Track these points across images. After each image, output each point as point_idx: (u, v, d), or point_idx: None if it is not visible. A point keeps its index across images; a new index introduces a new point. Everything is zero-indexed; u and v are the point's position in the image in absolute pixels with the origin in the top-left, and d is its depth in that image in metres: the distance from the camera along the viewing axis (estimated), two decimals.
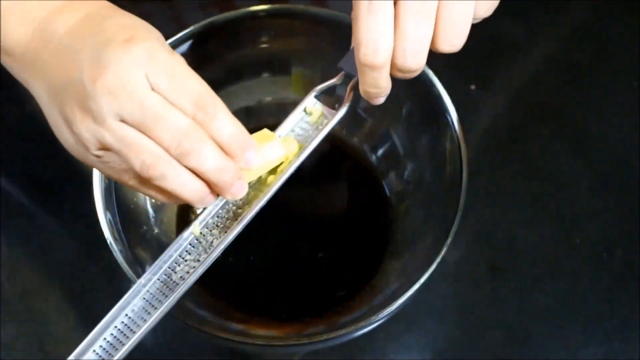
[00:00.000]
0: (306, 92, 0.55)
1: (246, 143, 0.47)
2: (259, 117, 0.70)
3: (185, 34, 0.63)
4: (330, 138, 0.69)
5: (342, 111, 0.53)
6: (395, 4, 0.46)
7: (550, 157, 0.73)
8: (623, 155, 0.73)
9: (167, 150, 0.44)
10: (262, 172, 0.51)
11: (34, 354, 0.65)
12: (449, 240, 0.56)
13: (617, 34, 0.79)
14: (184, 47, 0.63)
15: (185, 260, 0.51)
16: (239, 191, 0.48)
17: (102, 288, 0.67)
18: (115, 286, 0.67)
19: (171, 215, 0.67)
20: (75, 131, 0.45)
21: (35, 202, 0.70)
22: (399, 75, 0.48)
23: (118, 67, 0.43)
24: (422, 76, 0.61)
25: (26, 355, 0.65)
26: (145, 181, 0.46)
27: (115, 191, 0.60)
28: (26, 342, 0.65)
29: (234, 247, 0.67)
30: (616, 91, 0.76)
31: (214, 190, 0.47)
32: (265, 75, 0.69)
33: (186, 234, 0.51)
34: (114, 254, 0.55)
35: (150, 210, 0.65)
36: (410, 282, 0.55)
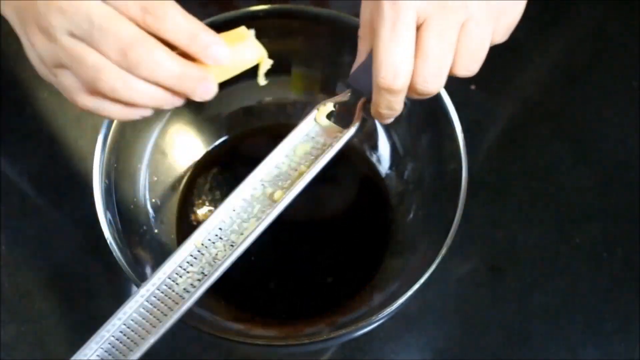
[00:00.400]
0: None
1: (207, 39, 0.44)
2: (259, 117, 0.70)
3: None
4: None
5: (352, 131, 0.51)
6: (417, 28, 0.45)
7: (550, 157, 0.73)
8: (623, 155, 0.73)
9: (116, 63, 0.43)
10: (236, 71, 0.48)
11: (34, 354, 0.65)
12: (449, 240, 0.56)
13: (617, 34, 0.79)
14: None
15: (188, 272, 0.50)
16: (206, 93, 0.46)
17: (102, 288, 0.67)
18: (115, 286, 0.67)
19: (171, 215, 0.67)
20: (37, 50, 0.45)
21: (35, 202, 0.70)
22: (415, 97, 0.48)
23: None
24: None
25: (26, 355, 0.65)
26: (101, 98, 0.45)
27: (115, 191, 0.60)
28: (26, 342, 0.65)
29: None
30: (616, 91, 0.76)
31: (178, 94, 0.45)
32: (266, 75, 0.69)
33: (187, 244, 0.50)
34: (114, 254, 0.55)
35: (150, 210, 0.65)
36: (410, 282, 0.55)
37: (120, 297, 0.67)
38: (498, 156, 0.73)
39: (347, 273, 0.66)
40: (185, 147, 0.68)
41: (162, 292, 0.49)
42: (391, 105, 0.48)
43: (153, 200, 0.65)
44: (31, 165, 0.71)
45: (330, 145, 0.52)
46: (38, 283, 0.67)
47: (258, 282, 0.66)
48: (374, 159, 0.69)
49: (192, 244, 0.50)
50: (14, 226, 0.69)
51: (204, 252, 0.51)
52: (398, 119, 0.67)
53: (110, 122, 0.59)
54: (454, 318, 0.67)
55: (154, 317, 0.48)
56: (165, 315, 0.48)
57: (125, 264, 0.55)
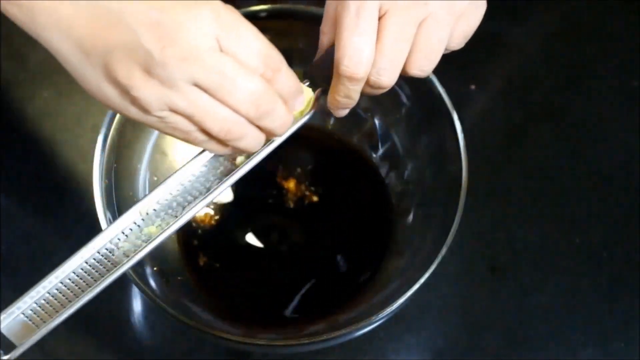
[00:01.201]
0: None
1: (299, 90, 0.48)
2: None
3: None
4: (330, 138, 0.70)
5: (306, 118, 0.52)
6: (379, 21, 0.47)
7: (550, 157, 0.73)
8: (623, 155, 0.73)
9: (245, 114, 0.45)
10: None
11: (34, 354, 0.65)
12: (449, 240, 0.56)
13: (617, 34, 0.79)
14: None
15: (128, 238, 0.50)
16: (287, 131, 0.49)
17: None
18: (115, 286, 0.67)
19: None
20: (135, 94, 0.43)
21: (35, 202, 0.70)
22: (367, 90, 0.50)
23: (188, 33, 0.42)
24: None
25: (26, 355, 0.65)
26: (211, 138, 0.46)
27: (115, 191, 0.60)
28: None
29: (233, 247, 0.68)
30: (616, 91, 0.76)
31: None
32: None
33: (133, 210, 0.51)
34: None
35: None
36: (410, 282, 0.55)
37: (120, 297, 0.67)
38: (498, 156, 0.73)
39: (347, 273, 0.66)
40: (185, 147, 0.68)
41: (102, 256, 0.50)
42: (349, 94, 0.50)
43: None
44: (31, 165, 0.71)
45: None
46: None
47: (258, 282, 0.66)
48: (374, 159, 0.69)
49: (137, 211, 0.51)
50: (14, 226, 0.69)
51: (146, 220, 0.51)
52: (398, 119, 0.67)
53: (110, 122, 0.59)
54: (454, 318, 0.67)
55: (92, 278, 0.49)
56: (102, 276, 0.49)
57: None
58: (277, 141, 0.51)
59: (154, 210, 0.52)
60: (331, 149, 0.69)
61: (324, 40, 0.51)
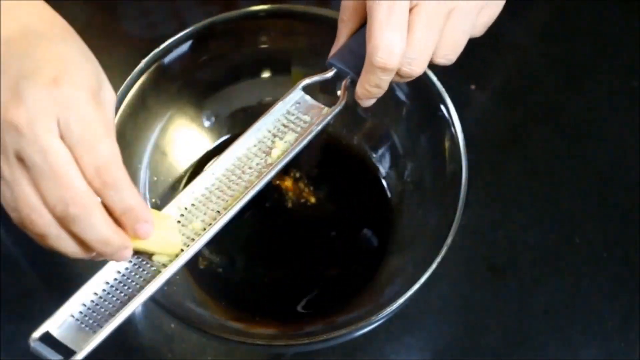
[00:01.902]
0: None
1: (140, 217, 0.45)
2: (259, 117, 0.70)
3: (185, 33, 0.63)
4: (330, 138, 0.70)
5: (338, 109, 0.53)
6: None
7: (550, 157, 0.73)
8: (623, 155, 0.73)
9: (51, 209, 0.42)
10: (153, 248, 0.48)
11: (34, 354, 0.65)
12: (449, 240, 0.56)
13: (617, 34, 0.79)
14: (184, 46, 0.63)
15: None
16: (121, 258, 0.46)
17: None
18: None
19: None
20: None
21: None
22: (396, 79, 0.51)
23: (32, 106, 0.41)
24: (422, 76, 0.61)
25: (26, 355, 0.65)
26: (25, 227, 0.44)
27: None
28: (26, 342, 0.65)
29: (233, 247, 0.67)
30: (616, 91, 0.76)
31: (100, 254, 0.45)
32: (265, 75, 0.69)
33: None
34: None
35: None
36: (410, 282, 0.55)
37: None
38: (498, 156, 0.73)
39: (347, 273, 0.66)
40: (185, 147, 0.68)
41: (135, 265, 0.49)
42: (380, 84, 0.51)
43: (153, 200, 0.65)
44: None
45: (317, 122, 0.54)
46: (38, 283, 0.67)
47: (258, 282, 0.66)
48: (374, 159, 0.69)
49: (175, 207, 0.51)
50: (14, 226, 0.69)
51: (187, 216, 0.51)
52: (398, 119, 0.67)
53: None
54: (454, 318, 0.67)
55: (140, 277, 0.49)
56: (148, 275, 0.48)
57: None
58: (310, 135, 0.52)
59: (193, 205, 0.52)
60: (331, 148, 0.69)
61: (343, 29, 0.53)
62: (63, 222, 0.43)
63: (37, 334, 0.46)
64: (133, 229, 0.45)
